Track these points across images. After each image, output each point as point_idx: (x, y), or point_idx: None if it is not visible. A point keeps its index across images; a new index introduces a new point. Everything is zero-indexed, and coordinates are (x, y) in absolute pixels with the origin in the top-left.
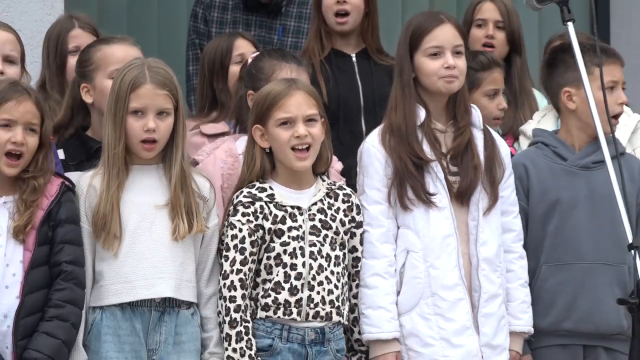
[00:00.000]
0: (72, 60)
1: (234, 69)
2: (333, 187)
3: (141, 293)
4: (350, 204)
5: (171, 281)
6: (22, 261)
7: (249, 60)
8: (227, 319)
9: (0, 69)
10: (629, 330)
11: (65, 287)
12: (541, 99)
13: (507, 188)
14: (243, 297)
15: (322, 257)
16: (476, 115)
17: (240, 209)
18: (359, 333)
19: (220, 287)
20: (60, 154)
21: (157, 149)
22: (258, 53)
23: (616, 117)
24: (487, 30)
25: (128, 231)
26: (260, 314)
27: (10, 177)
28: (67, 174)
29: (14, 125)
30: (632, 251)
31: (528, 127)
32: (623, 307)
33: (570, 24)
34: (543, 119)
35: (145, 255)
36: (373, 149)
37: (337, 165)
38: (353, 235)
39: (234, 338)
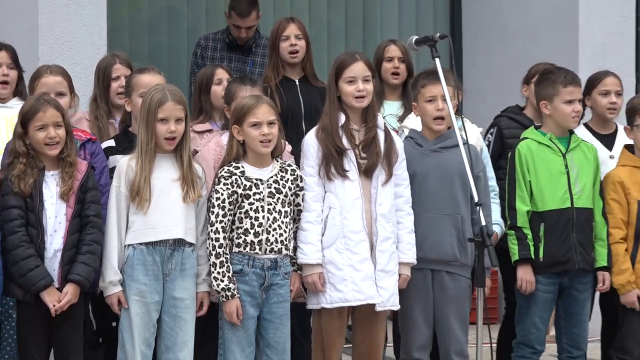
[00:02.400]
0: (114, 84)
1: (215, 88)
2: (284, 165)
3: (162, 235)
4: (295, 176)
5: (181, 228)
6: (65, 214)
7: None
8: (214, 252)
9: None
10: (462, 258)
11: (92, 232)
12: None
13: (400, 168)
14: (224, 238)
15: (276, 212)
16: (380, 119)
17: (222, 180)
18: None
19: (209, 231)
20: (112, 142)
21: (175, 144)
22: (230, 81)
23: (442, 118)
24: (394, 64)
25: (154, 196)
26: (235, 249)
27: (54, 157)
28: (116, 156)
29: (46, 126)
30: (477, 207)
31: (407, 124)
32: (456, 242)
33: (437, 60)
34: (417, 119)
35: (165, 210)
36: (310, 141)
37: (288, 147)
38: (297, 195)
39: (218, 265)
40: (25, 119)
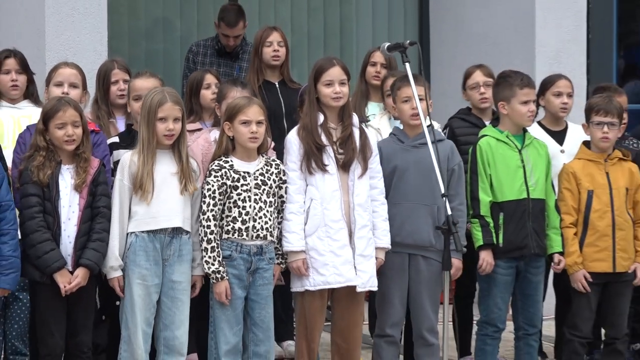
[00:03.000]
0: (113, 87)
1: (204, 92)
2: (269, 160)
3: (162, 223)
4: (279, 170)
5: (180, 217)
6: (78, 204)
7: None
8: (205, 238)
9: (66, 91)
10: (436, 245)
11: (102, 222)
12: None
13: (374, 162)
14: (215, 225)
15: (262, 202)
16: (355, 118)
17: (213, 172)
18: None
19: (201, 220)
20: (116, 139)
21: (173, 140)
22: (222, 82)
23: (418, 115)
24: (377, 68)
25: (155, 188)
26: (224, 236)
27: (71, 152)
28: (120, 151)
29: (65, 125)
30: (444, 198)
31: (373, 124)
32: (432, 230)
33: (407, 64)
34: (382, 119)
35: (165, 201)
36: (292, 139)
37: (272, 145)
38: (280, 188)
39: (209, 250)
40: (46, 117)
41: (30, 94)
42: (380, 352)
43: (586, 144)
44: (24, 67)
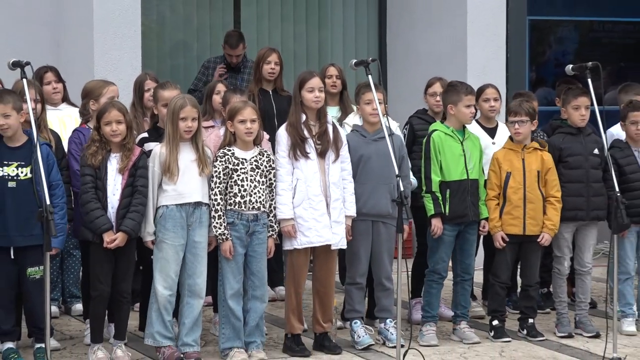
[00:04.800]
0: (146, 94)
1: (215, 97)
2: (262, 150)
3: (187, 199)
4: (269, 158)
5: (199, 193)
6: (121, 183)
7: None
8: (213, 208)
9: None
10: (393, 213)
11: (139, 197)
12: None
13: (344, 150)
14: (221, 199)
15: (256, 181)
16: (329, 117)
17: (218, 158)
18: (274, 216)
19: (210, 194)
20: (146, 134)
21: (191, 135)
22: (225, 91)
23: (376, 114)
24: (333, 80)
25: (180, 171)
26: (228, 207)
27: (118, 143)
28: (150, 143)
29: (111, 122)
30: (397, 178)
31: (347, 121)
32: (389, 203)
33: (369, 76)
34: (354, 118)
35: (188, 182)
36: (282, 133)
37: (266, 136)
38: (270, 172)
39: (217, 217)
40: (98, 116)
41: (66, 98)
42: (351, 296)
43: (511, 137)
44: (59, 77)
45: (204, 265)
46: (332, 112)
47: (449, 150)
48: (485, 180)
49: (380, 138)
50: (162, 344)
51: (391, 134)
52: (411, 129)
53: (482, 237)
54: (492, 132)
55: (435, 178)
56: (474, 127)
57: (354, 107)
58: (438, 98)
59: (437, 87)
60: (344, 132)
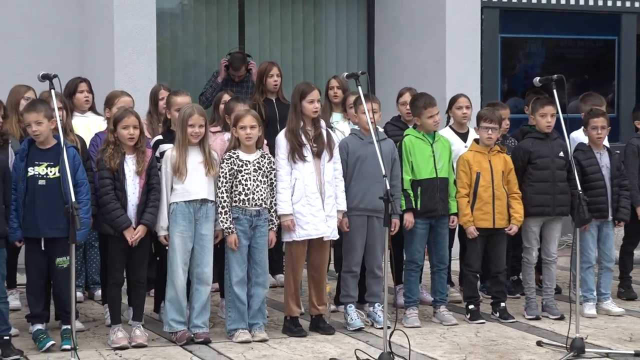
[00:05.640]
0: (160, 103)
1: (221, 106)
2: (264, 153)
3: (194, 196)
4: (270, 160)
5: (206, 191)
6: (138, 183)
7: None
8: (220, 205)
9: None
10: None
11: (155, 194)
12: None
13: (336, 152)
14: (227, 197)
15: (258, 181)
16: (323, 123)
17: (225, 160)
18: (275, 212)
19: (217, 193)
20: (160, 137)
21: (199, 139)
22: (229, 100)
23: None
24: (334, 90)
25: (188, 172)
26: (234, 204)
27: (132, 147)
28: (163, 145)
29: (128, 127)
30: (385, 178)
31: (338, 126)
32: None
33: (359, 87)
34: (344, 124)
35: (195, 181)
36: (282, 137)
37: (264, 142)
38: (271, 172)
39: (223, 213)
40: (115, 121)
41: (92, 107)
42: (347, 283)
43: (476, 140)
44: (90, 89)
45: (210, 256)
46: (337, 118)
47: (420, 152)
48: (455, 179)
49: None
50: (177, 329)
51: (384, 139)
52: (385, 134)
53: (457, 230)
54: (464, 136)
55: (407, 177)
56: (447, 133)
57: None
58: (408, 107)
59: (407, 97)
60: (340, 136)
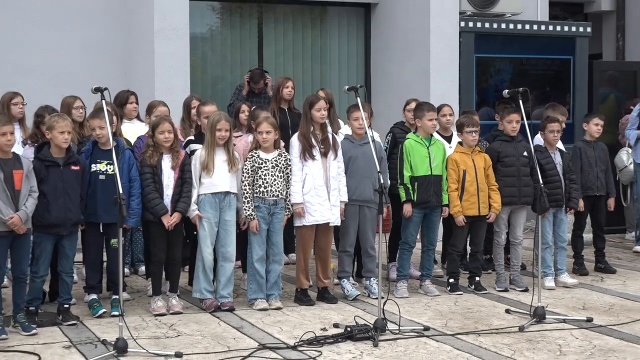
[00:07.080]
0: (192, 111)
1: (240, 115)
2: (281, 152)
3: (219, 189)
4: (286, 159)
5: (229, 185)
6: (173, 177)
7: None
8: (244, 196)
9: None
10: (375, 199)
11: (187, 187)
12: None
13: (339, 152)
14: (250, 189)
15: (275, 176)
16: (329, 128)
17: (248, 159)
18: (289, 201)
19: (241, 185)
20: (192, 137)
21: (224, 141)
22: (254, 108)
23: (362, 128)
24: (324, 102)
25: (215, 168)
26: (255, 195)
27: (168, 148)
28: (194, 144)
29: (164, 132)
30: (378, 173)
31: (342, 131)
32: (372, 192)
33: (358, 98)
34: (346, 128)
35: (220, 176)
36: (295, 140)
37: (282, 144)
38: (287, 168)
39: (246, 202)
40: (153, 127)
41: (138, 115)
42: (343, 261)
43: (460, 143)
44: (137, 100)
45: (233, 237)
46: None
47: (417, 153)
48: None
49: (364, 143)
50: (206, 297)
51: (373, 141)
52: (393, 136)
53: (441, 218)
54: (448, 139)
55: (406, 174)
56: (436, 136)
57: (340, 122)
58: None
59: (413, 105)
60: (338, 139)
